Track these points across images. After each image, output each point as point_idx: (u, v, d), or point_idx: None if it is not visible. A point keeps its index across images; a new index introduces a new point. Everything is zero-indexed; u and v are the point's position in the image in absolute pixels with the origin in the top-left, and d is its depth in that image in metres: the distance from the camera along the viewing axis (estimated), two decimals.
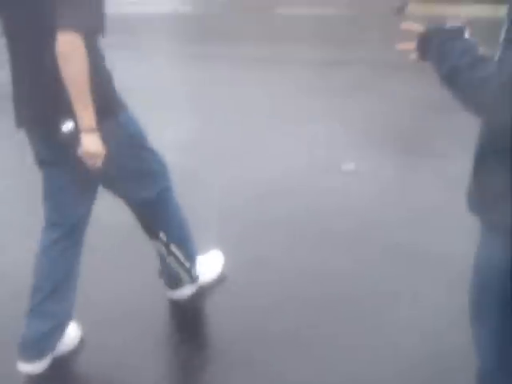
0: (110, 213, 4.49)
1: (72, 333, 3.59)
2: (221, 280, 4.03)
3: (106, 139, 3.08)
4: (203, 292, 3.94)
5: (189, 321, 3.80)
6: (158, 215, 3.58)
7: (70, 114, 2.99)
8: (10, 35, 3.17)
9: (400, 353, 3.30)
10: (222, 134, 6.10)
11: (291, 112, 6.59)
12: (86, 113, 2.97)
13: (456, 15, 8.81)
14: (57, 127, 3.04)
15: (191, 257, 3.78)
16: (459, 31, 2.19)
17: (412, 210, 4.59)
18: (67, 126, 3.01)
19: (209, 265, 4.04)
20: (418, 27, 2.31)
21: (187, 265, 3.64)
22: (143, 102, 4.59)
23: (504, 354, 2.32)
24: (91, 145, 3.02)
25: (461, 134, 5.46)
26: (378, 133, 6.03)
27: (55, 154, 3.24)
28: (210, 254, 4.09)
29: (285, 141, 5.99)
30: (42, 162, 3.35)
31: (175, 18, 11.25)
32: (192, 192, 4.88)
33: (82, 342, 3.57)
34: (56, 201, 3.43)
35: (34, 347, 3.41)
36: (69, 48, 2.85)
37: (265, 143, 5.89)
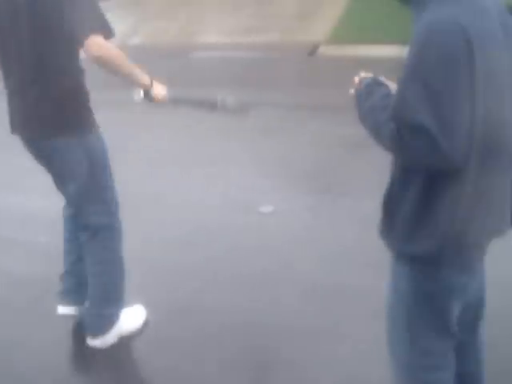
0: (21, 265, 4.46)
1: None
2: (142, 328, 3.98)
3: (73, 152, 3.50)
4: (125, 341, 3.88)
5: (111, 370, 3.73)
6: (102, 245, 3.73)
7: (52, 126, 3.47)
8: (4, 52, 3.50)
9: None
10: (133, 179, 5.97)
11: (205, 155, 6.58)
12: (139, 77, 3.58)
13: (367, 55, 9.02)
14: (43, 136, 3.50)
15: (121, 297, 3.85)
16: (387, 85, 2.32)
17: (329, 248, 4.62)
18: (138, 95, 3.65)
19: (131, 316, 3.99)
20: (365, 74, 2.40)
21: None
22: None
23: None
24: (159, 91, 3.70)
25: (376, 171, 5.55)
26: (293, 173, 6.07)
27: (42, 159, 3.67)
28: (133, 307, 4.02)
29: (198, 184, 5.97)
30: (37, 159, 3.72)
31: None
32: None
33: None
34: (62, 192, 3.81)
35: (70, 295, 3.91)
36: (98, 48, 3.27)
37: (177, 187, 5.86)
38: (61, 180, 3.71)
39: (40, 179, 5.43)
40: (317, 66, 9.85)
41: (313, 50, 10.68)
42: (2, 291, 4.40)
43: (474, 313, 2.45)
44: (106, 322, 3.82)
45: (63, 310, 3.94)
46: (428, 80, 1.94)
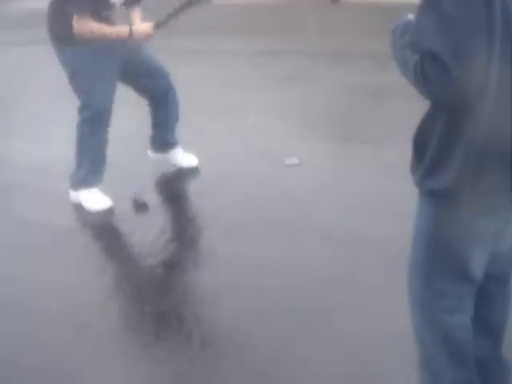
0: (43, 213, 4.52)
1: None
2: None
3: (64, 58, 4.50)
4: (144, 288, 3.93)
5: (134, 312, 3.78)
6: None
7: (55, 37, 4.49)
8: None
9: (340, 337, 3.32)
10: None
11: (226, 103, 6.57)
12: (117, 34, 4.41)
13: (390, 3, 8.90)
14: (53, 43, 4.52)
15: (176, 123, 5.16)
16: None
17: (350, 197, 4.60)
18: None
19: (186, 155, 5.21)
20: None
21: None
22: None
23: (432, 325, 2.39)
24: (140, 31, 4.47)
25: (398, 118, 5.52)
26: (315, 121, 6.04)
27: (58, 59, 4.57)
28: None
29: (222, 131, 5.97)
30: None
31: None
32: (127, 187, 4.91)
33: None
34: None
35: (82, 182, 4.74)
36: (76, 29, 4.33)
37: (199, 134, 5.86)
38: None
39: (60, 129, 5.48)
40: (340, 13, 9.74)
41: None
42: (25, 237, 4.46)
43: (504, 263, 2.40)
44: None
45: (72, 193, 4.82)
46: (442, 6, 1.90)
